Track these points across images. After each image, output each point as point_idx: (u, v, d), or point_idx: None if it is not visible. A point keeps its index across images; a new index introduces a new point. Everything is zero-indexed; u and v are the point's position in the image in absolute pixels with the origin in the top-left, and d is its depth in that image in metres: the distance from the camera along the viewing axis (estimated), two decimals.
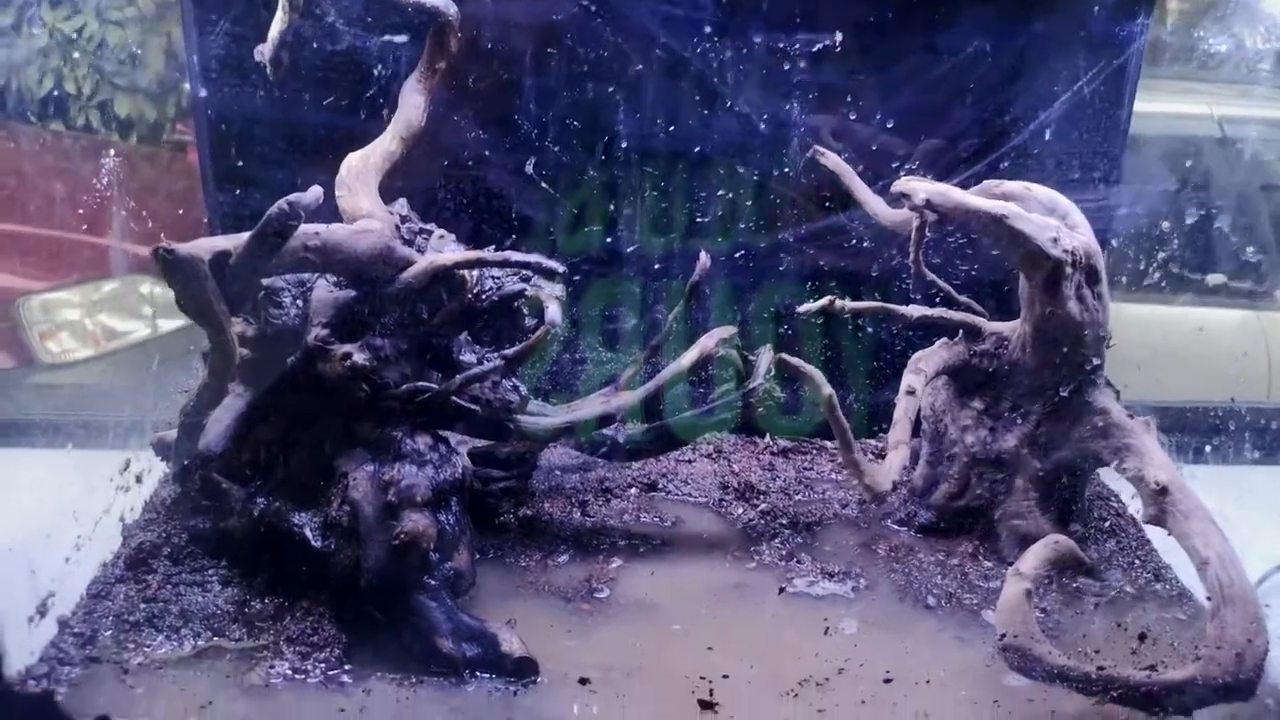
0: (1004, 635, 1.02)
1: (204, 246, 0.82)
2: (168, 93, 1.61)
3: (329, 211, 0.99)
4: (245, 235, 0.85)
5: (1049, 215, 1.16)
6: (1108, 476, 1.37)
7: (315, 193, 0.84)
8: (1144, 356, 1.33)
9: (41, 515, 0.97)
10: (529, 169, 1.29)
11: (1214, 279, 1.81)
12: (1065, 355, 1.15)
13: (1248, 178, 1.93)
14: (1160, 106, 1.84)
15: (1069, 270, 1.10)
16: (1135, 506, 1.34)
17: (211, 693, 0.91)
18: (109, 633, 0.97)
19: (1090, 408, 1.19)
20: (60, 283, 2.19)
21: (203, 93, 1.18)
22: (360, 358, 0.99)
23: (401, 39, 1.07)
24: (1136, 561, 1.24)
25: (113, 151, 1.57)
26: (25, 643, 0.89)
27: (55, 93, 1.54)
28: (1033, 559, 1.08)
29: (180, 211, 1.53)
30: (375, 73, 1.14)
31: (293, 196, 0.82)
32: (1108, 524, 1.31)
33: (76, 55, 1.48)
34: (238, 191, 1.21)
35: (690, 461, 1.39)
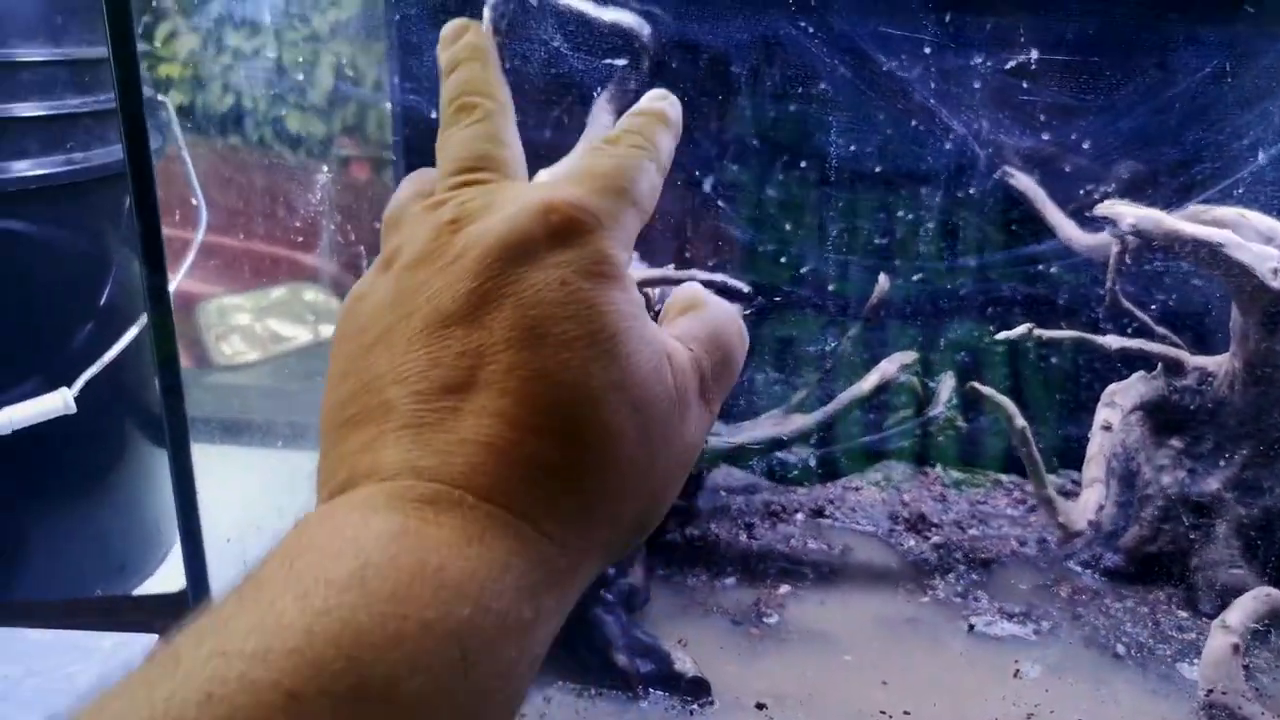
0: (1209, 691, 0.96)
1: None
2: (335, 109, 1.69)
3: None
4: None
5: (1267, 244, 1.09)
6: None
7: None
8: None
9: (253, 509, 1.03)
10: (707, 188, 1.29)
11: None
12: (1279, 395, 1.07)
13: None
14: None
15: None
16: None
17: None
18: None
19: None
20: (233, 288, 2.34)
21: (400, 108, 1.24)
22: None
23: (617, 61, 1.09)
24: None
25: (282, 166, 1.65)
26: None
27: (234, 110, 1.62)
28: (1240, 612, 1.01)
29: (344, 223, 1.60)
30: (571, 91, 1.17)
31: None
32: None
33: (255, 74, 1.56)
34: None
35: (858, 489, 1.36)
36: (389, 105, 1.30)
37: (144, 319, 1.11)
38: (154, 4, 1.41)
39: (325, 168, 1.49)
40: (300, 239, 1.58)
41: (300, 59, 1.52)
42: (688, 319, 0.33)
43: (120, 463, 1.18)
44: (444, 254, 0.27)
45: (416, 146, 1.26)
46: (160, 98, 1.25)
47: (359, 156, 1.70)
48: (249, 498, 1.07)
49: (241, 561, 1.01)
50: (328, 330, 2.07)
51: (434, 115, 1.12)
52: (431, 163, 0.34)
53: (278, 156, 1.63)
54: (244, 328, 2.37)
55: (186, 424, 1.00)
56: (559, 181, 0.29)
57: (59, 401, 1.02)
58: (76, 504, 1.12)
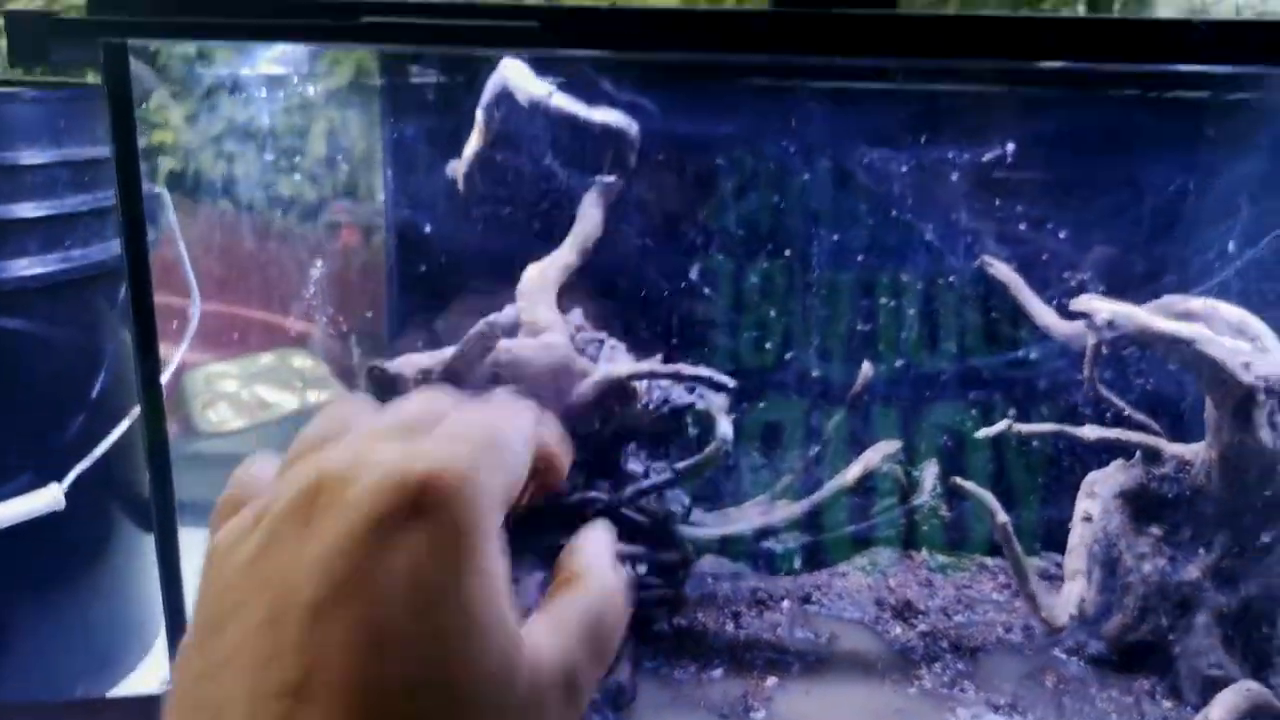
0: None
1: (410, 363, 0.88)
2: (326, 175, 1.71)
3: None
4: (443, 351, 0.91)
5: (1238, 336, 1.12)
6: None
7: (511, 313, 0.89)
8: None
9: None
10: (694, 275, 1.32)
11: None
12: (1255, 485, 1.09)
13: None
14: None
15: (1261, 398, 1.05)
16: None
17: None
18: None
19: None
20: (222, 355, 2.35)
21: (394, 202, 1.27)
22: None
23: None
24: None
25: (273, 230, 1.66)
26: None
27: (227, 174, 1.64)
28: (1222, 708, 1.01)
29: (338, 289, 1.61)
30: (562, 186, 1.20)
31: (492, 318, 0.87)
32: None
33: (249, 140, 1.59)
34: (420, 297, 1.29)
35: (844, 574, 1.36)
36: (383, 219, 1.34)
37: (136, 412, 1.12)
38: (154, 103, 1.45)
39: (320, 259, 1.51)
40: (290, 305, 1.58)
41: (285, 126, 1.54)
42: (565, 600, 0.32)
43: (107, 554, 1.18)
44: (300, 527, 0.26)
45: (408, 258, 1.30)
46: (157, 189, 1.28)
47: (349, 223, 1.71)
48: None
49: None
50: (317, 396, 2.07)
51: (427, 229, 1.15)
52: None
53: (269, 223, 1.65)
54: (231, 395, 2.36)
55: (175, 520, 1.01)
56: (419, 447, 0.27)
57: (49, 498, 1.03)
58: (62, 597, 1.12)
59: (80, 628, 1.13)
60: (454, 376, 0.89)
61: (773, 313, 1.35)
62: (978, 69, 1.14)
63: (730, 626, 1.26)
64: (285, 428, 2.10)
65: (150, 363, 0.94)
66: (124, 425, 1.12)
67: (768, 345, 1.36)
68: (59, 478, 1.07)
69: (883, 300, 1.34)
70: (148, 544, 1.20)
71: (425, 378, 0.88)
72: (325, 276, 1.50)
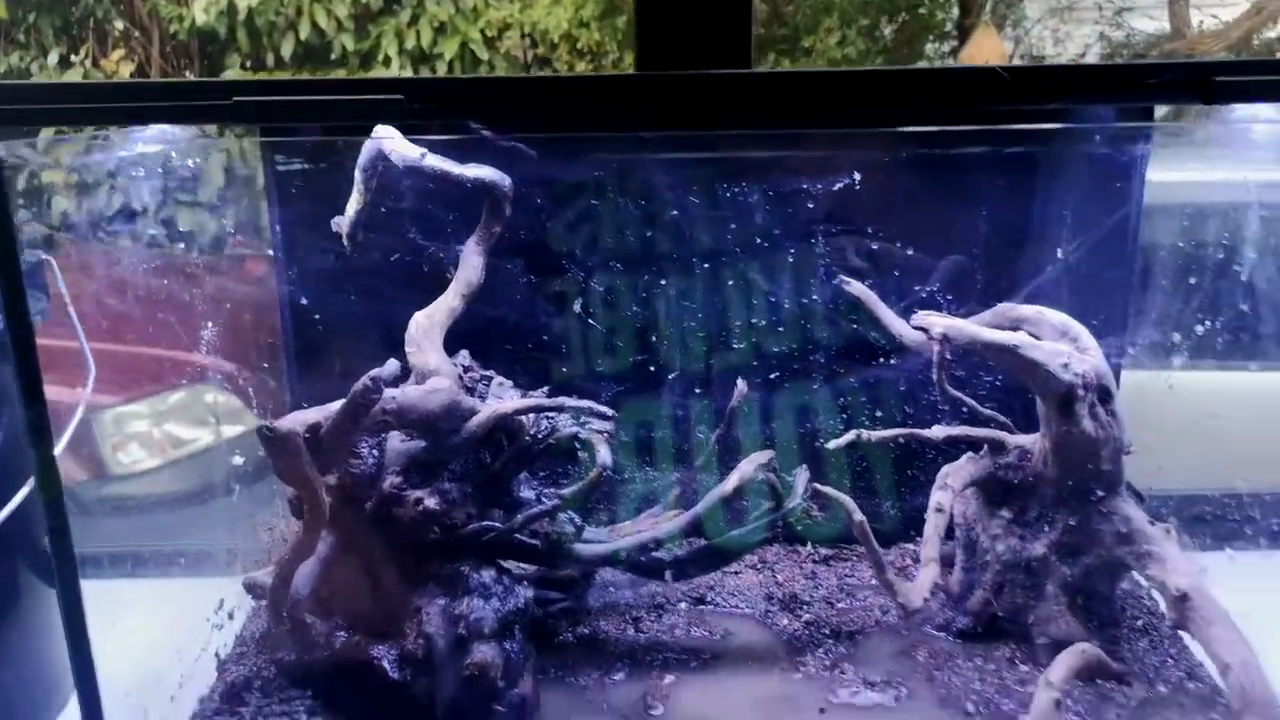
0: None
1: (298, 420, 0.94)
2: (226, 206, 1.72)
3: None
4: (331, 406, 0.97)
5: (1061, 338, 1.25)
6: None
7: (393, 366, 0.96)
8: None
9: (154, 655, 1.07)
10: (576, 307, 1.40)
11: None
12: (1083, 468, 1.23)
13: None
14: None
15: (1081, 393, 1.18)
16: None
17: None
18: None
19: (1111, 516, 1.25)
20: (132, 396, 2.33)
21: (283, 254, 1.32)
22: (431, 502, 1.09)
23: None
24: (1169, 660, 1.29)
25: (177, 264, 1.67)
26: None
27: (125, 210, 1.64)
28: (1061, 668, 1.14)
29: (244, 320, 1.62)
30: (443, 235, 1.27)
31: (374, 372, 0.94)
32: (1140, 622, 1.36)
33: (144, 174, 1.59)
34: (316, 344, 1.34)
35: (737, 573, 1.47)
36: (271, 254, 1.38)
37: (32, 481, 1.15)
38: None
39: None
40: (196, 340, 1.58)
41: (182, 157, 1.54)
42: None
43: (11, 619, 1.21)
44: None
45: (297, 289, 1.35)
46: (45, 256, 1.30)
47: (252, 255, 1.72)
48: (150, 641, 1.11)
49: (143, 713, 1.05)
50: (230, 430, 2.08)
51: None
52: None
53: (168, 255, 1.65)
54: (141, 434, 2.35)
55: (78, 580, 1.04)
56: None
57: None
58: None
59: None
60: (342, 429, 0.95)
61: (654, 338, 1.44)
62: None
63: (631, 631, 1.34)
64: (200, 463, 2.11)
65: (45, 446, 0.98)
66: (20, 496, 1.14)
67: (652, 369, 1.45)
68: None
69: (755, 321, 1.45)
70: (54, 604, 1.23)
71: (314, 433, 0.94)
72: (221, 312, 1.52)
